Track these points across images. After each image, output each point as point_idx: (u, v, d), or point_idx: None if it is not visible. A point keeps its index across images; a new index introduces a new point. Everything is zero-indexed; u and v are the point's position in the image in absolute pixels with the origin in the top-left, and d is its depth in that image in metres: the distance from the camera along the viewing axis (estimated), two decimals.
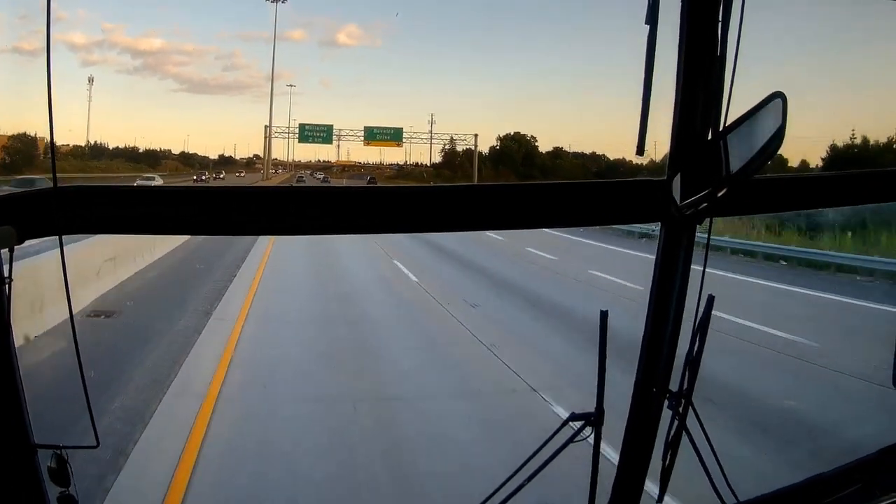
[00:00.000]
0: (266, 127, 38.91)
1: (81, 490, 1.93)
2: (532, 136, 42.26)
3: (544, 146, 41.73)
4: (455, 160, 41.26)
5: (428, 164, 41.89)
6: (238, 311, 12.67)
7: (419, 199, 1.96)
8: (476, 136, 40.89)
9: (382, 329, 11.96)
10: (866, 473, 2.89)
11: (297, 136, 38.46)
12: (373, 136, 39.75)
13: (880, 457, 2.99)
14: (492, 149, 42.00)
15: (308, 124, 39.04)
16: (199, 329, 11.34)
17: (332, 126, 38.96)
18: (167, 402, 8.09)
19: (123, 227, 1.82)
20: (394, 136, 40.74)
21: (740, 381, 9.01)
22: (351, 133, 39.14)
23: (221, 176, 38.86)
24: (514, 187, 2.01)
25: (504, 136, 42.31)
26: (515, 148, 41.52)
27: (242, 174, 39.56)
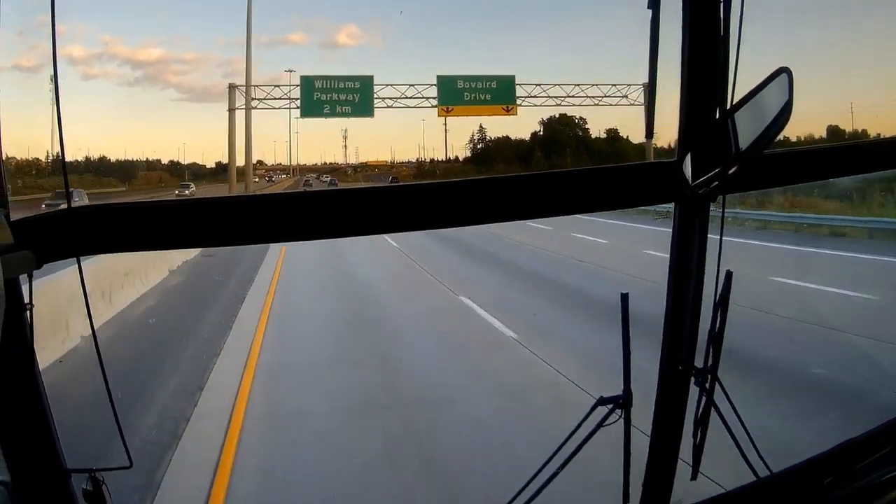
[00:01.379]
0: (230, 87, 27.01)
1: None
2: (580, 118, 38.04)
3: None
4: (487, 153, 36.81)
5: (442, 160, 37.71)
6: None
7: (431, 195, 2.00)
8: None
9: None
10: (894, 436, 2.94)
11: (298, 106, 25.69)
12: (455, 95, 25.09)
13: None
14: (534, 135, 38.35)
15: (320, 77, 25.21)
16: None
17: (369, 78, 24.92)
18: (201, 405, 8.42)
19: (141, 244, 1.85)
20: (499, 95, 26.40)
21: None
22: (404, 92, 25.47)
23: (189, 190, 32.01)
24: (526, 178, 2.05)
25: (549, 119, 37.92)
26: (567, 133, 37.17)
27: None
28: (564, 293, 14.54)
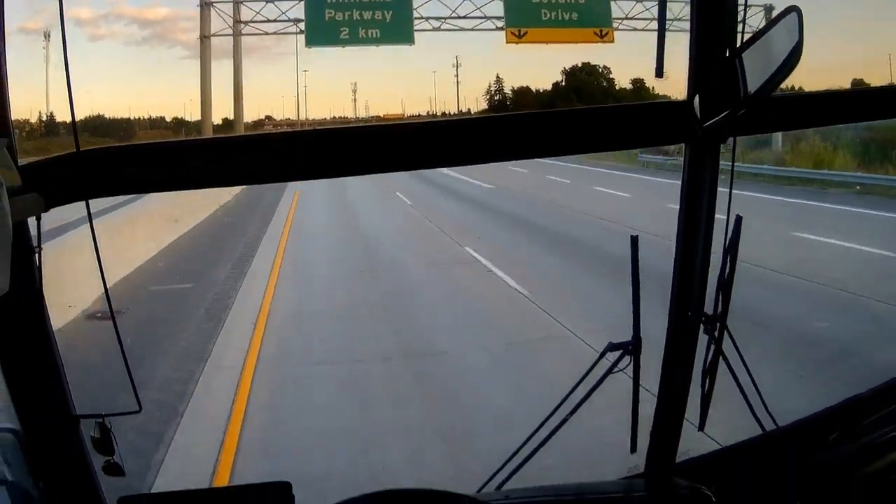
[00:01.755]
0: (203, 5, 17.91)
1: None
2: (605, 68, 33.56)
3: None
4: (504, 106, 32.49)
5: (455, 113, 36.50)
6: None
7: (441, 133, 1.99)
8: None
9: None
10: None
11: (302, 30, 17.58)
12: (530, 12, 17.33)
13: None
14: (556, 85, 34.06)
15: None
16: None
17: None
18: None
19: (148, 185, 1.86)
20: (588, 13, 18.27)
21: None
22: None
23: None
24: (537, 115, 2.06)
25: (571, 69, 33.67)
26: (591, 82, 33.22)
27: None
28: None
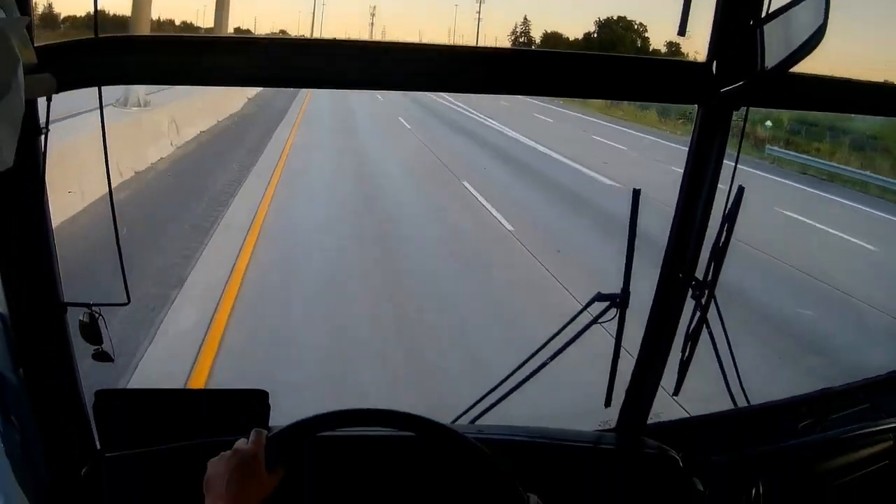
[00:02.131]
0: None
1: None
2: (640, 25, 34.12)
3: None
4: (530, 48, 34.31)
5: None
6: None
7: (458, 60, 2.01)
8: None
9: None
10: (874, 394, 3.03)
11: None
12: None
13: (890, 379, 3.13)
14: (587, 35, 34.72)
15: None
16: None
17: None
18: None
19: (165, 77, 1.86)
20: None
21: None
22: None
23: None
24: (553, 54, 2.07)
25: (606, 20, 34.26)
26: (627, 37, 32.74)
27: None
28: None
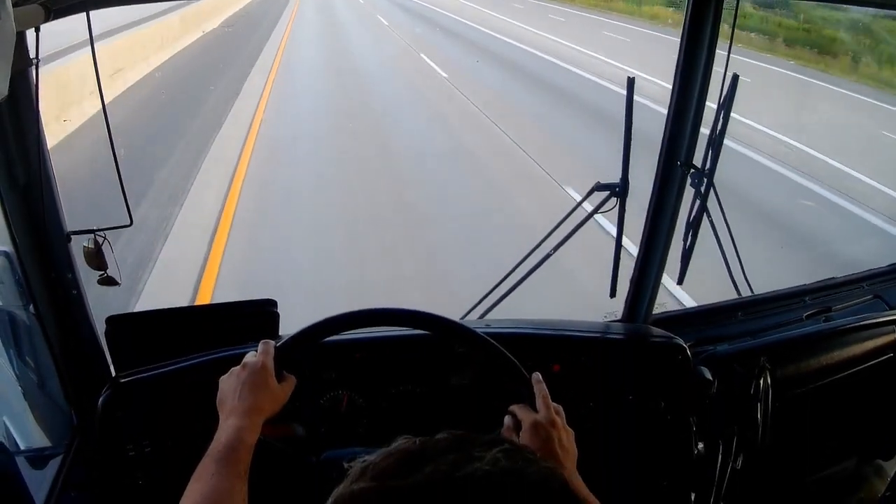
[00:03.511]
0: None
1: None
2: None
3: None
4: None
5: None
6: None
7: None
8: None
9: None
10: (877, 285, 3.10)
11: None
12: None
13: (892, 270, 3.20)
14: None
15: None
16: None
17: None
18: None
19: None
20: None
21: None
22: None
23: None
24: None
25: None
26: None
27: None
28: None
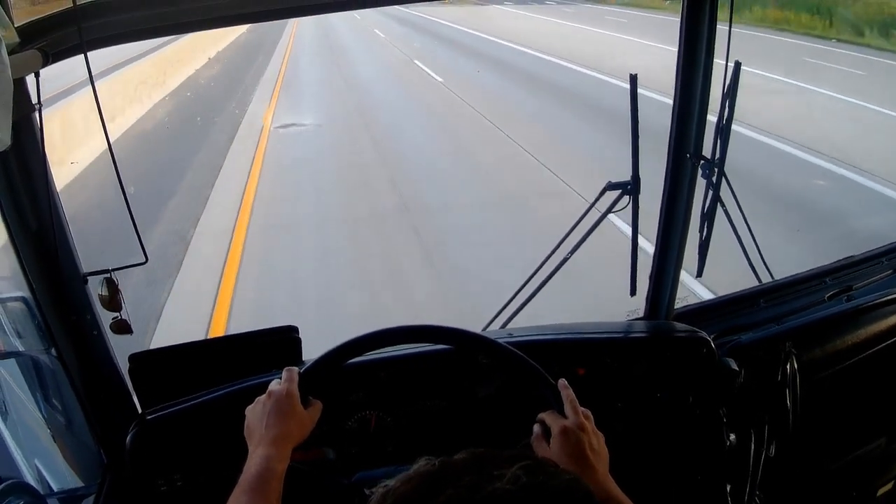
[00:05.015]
0: None
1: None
2: None
3: None
4: None
5: None
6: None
7: None
8: None
9: None
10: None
11: None
12: None
13: None
14: None
15: None
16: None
17: None
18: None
19: (150, 32, 1.87)
20: None
21: None
22: None
23: None
24: None
25: None
26: None
27: None
28: None
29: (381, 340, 1.81)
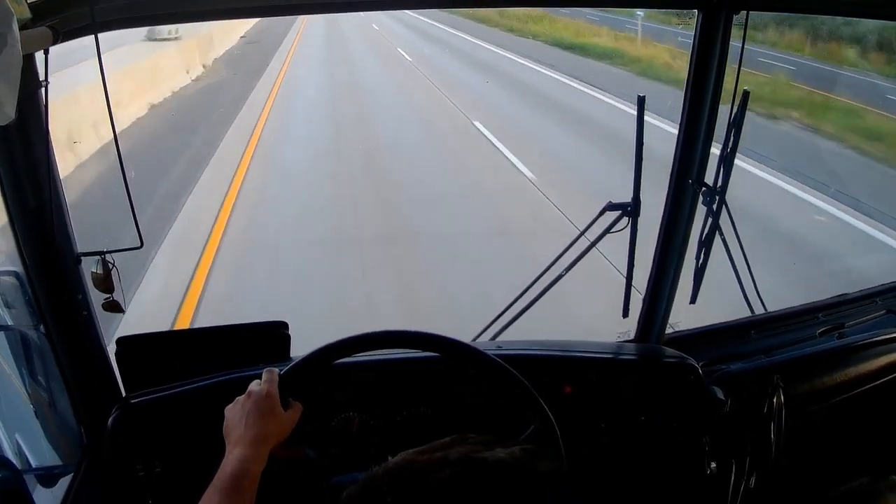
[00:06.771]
0: None
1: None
2: None
3: None
4: None
5: None
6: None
7: None
8: None
9: None
10: (889, 300, 3.06)
11: None
12: None
13: None
14: None
15: None
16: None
17: None
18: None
19: (160, 18, 1.87)
20: None
21: None
22: None
23: None
24: None
25: None
26: None
27: None
28: None
29: (364, 344, 1.79)
